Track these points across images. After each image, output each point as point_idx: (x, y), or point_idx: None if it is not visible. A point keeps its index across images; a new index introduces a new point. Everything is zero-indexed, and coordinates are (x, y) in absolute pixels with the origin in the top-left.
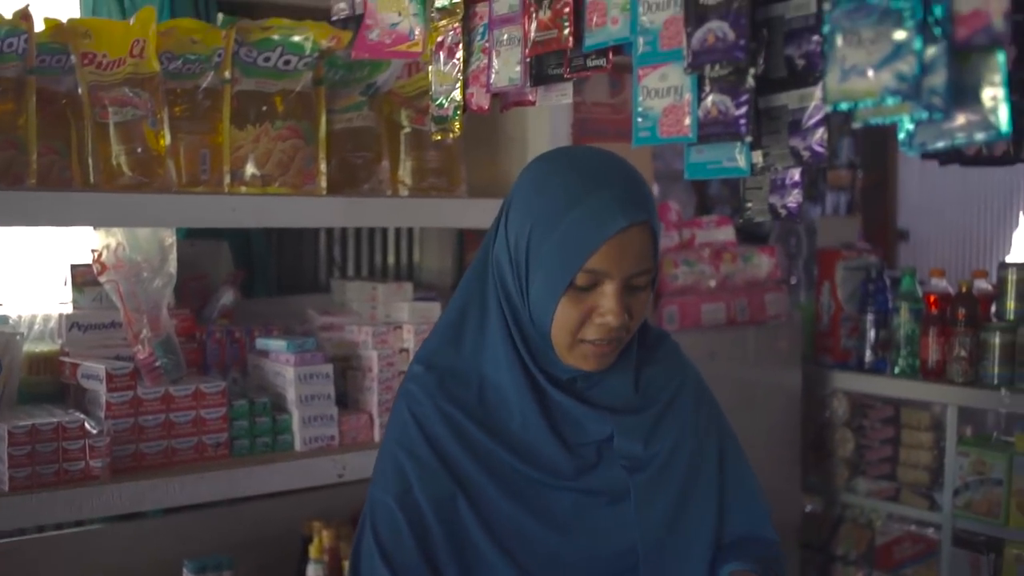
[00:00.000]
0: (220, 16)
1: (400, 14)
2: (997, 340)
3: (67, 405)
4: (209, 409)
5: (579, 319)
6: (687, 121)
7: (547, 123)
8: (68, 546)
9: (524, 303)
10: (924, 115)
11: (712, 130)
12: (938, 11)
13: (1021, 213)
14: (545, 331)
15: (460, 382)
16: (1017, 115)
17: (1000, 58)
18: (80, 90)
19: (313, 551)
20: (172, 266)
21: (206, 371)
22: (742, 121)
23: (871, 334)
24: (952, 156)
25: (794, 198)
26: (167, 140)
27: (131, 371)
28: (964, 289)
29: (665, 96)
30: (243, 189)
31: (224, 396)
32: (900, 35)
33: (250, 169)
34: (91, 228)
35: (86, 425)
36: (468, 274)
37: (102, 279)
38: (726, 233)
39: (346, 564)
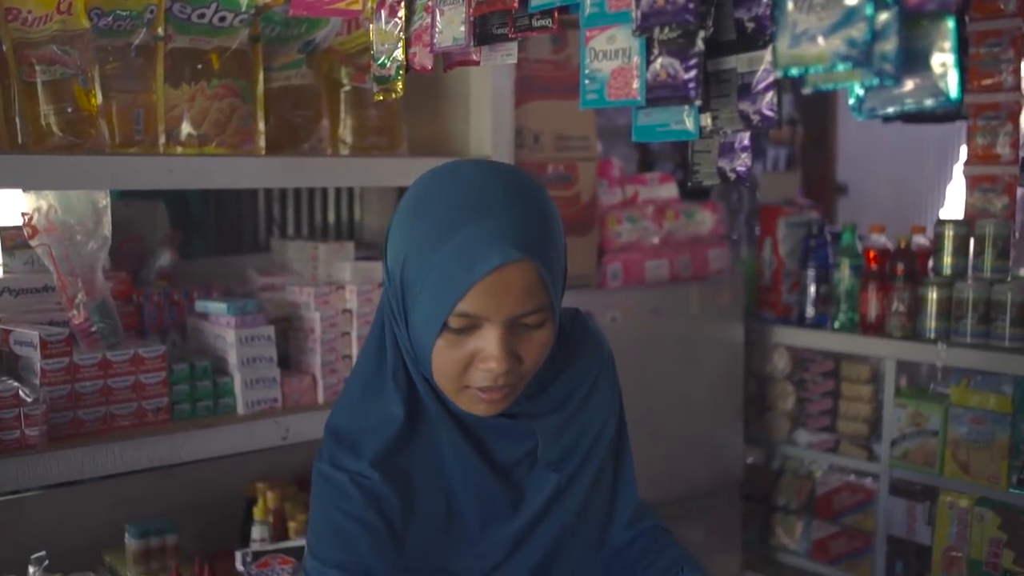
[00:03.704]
0: None
1: None
2: (934, 295)
3: (0, 373)
4: (148, 374)
5: (461, 364)
6: (635, 84)
7: (489, 81)
8: (4, 513)
9: (409, 340)
10: (875, 81)
11: (661, 93)
12: None
13: (955, 167)
14: (430, 374)
15: (375, 432)
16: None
17: (950, 24)
18: (4, 48)
19: (257, 513)
20: (107, 228)
21: (144, 334)
22: (691, 85)
23: (812, 289)
24: (894, 113)
25: (743, 162)
26: (99, 99)
27: (66, 337)
28: (903, 245)
29: (613, 59)
30: (179, 149)
31: (163, 360)
32: (851, 0)
33: (186, 129)
34: (20, 190)
35: (20, 393)
36: (376, 314)
37: (33, 243)
38: (669, 190)
39: (291, 525)
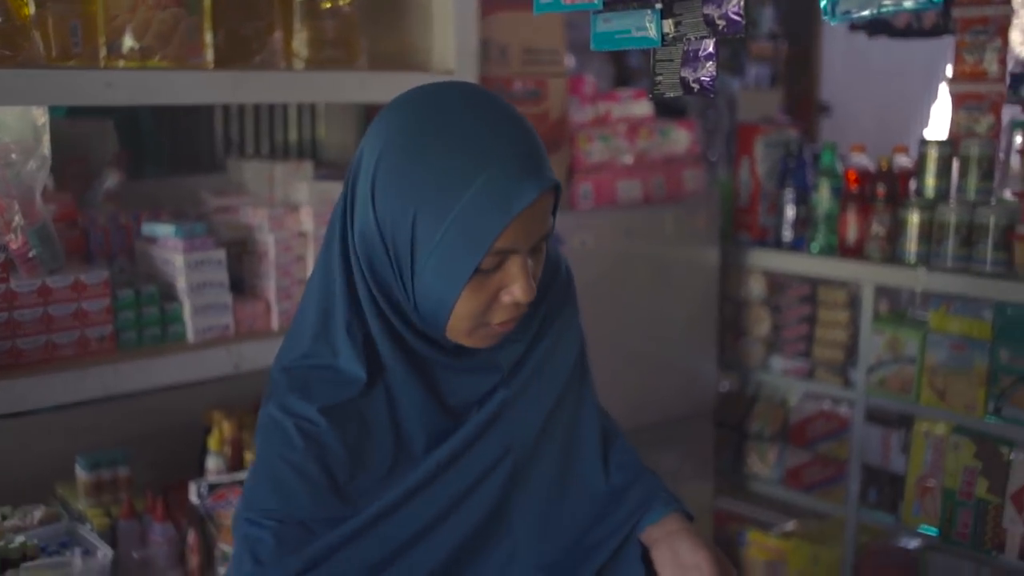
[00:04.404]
0: None
1: None
2: (915, 218)
3: None
4: (91, 300)
5: (484, 304)
6: None
7: None
8: None
9: (408, 295)
10: None
11: None
12: None
13: (941, 85)
14: (439, 322)
15: (334, 384)
16: None
17: None
18: None
19: (213, 443)
20: (46, 147)
21: (90, 259)
22: None
23: (790, 211)
24: (880, 28)
25: (708, 71)
26: (32, 9)
27: (2, 262)
28: (884, 166)
29: None
30: (121, 63)
31: (107, 286)
32: None
33: (128, 41)
34: None
35: None
36: (320, 259)
37: None
38: (643, 107)
39: (248, 456)
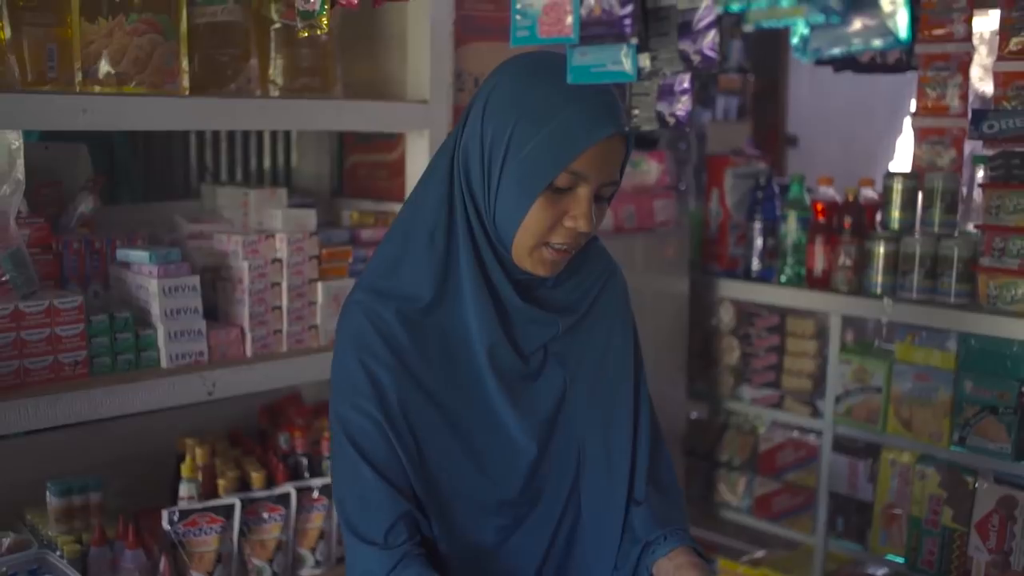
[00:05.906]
0: None
1: None
2: (881, 249)
3: None
4: (65, 326)
5: (549, 222)
6: (569, 20)
7: (428, 21)
8: None
9: (489, 202)
10: (820, 19)
11: (595, 31)
12: None
13: (905, 119)
14: (509, 231)
15: (412, 298)
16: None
17: None
18: None
19: (185, 470)
20: (20, 172)
21: (64, 284)
22: (627, 21)
23: (758, 242)
24: (846, 63)
25: (683, 105)
26: (7, 34)
27: None
28: (851, 198)
29: None
30: (96, 88)
31: (81, 311)
32: None
33: (104, 67)
34: None
35: None
36: (428, 178)
37: None
38: None
39: (221, 483)
